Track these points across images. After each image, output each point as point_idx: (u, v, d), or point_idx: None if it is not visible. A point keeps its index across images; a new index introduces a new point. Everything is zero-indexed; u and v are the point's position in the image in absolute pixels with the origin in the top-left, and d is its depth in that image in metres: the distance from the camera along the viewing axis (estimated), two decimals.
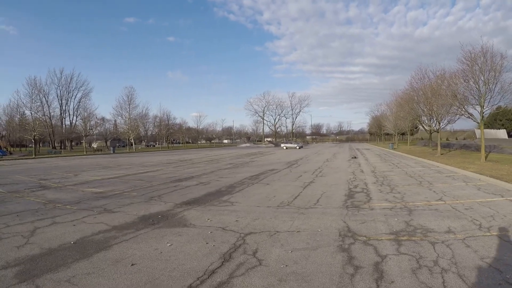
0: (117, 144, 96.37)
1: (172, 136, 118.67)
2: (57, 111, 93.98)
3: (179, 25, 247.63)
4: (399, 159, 33.57)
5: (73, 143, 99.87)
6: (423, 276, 5.61)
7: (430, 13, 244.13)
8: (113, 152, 70.95)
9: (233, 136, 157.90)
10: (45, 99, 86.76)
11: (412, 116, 50.14)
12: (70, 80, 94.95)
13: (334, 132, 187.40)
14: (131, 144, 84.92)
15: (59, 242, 7.92)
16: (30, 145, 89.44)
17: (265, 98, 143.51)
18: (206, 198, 13.47)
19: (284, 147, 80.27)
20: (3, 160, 45.74)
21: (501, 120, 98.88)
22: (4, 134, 71.28)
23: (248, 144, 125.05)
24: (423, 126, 49.00)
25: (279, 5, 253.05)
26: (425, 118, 44.74)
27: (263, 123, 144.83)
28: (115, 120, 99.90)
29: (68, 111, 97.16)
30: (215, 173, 23.64)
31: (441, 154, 34.53)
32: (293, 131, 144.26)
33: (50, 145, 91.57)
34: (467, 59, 26.54)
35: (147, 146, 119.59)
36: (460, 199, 12.01)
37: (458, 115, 31.84)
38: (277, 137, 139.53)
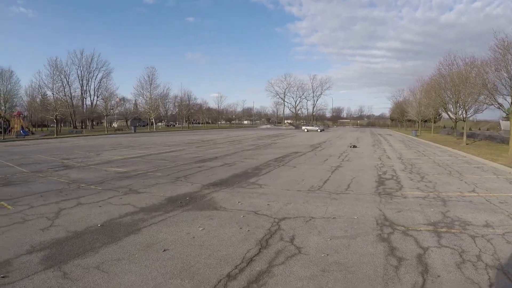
0: (138, 124, 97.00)
1: (193, 116, 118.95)
2: (78, 91, 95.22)
3: (199, 6, 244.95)
4: (424, 146, 32.49)
5: (94, 123, 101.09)
6: (468, 271, 5.23)
7: None
8: (134, 131, 71.49)
9: (253, 117, 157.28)
10: (66, 80, 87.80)
11: (438, 103, 48.53)
12: (91, 61, 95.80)
13: (355, 116, 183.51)
14: (152, 124, 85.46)
15: (85, 225, 7.64)
16: (51, 125, 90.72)
17: (286, 79, 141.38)
18: (233, 180, 13.17)
19: (305, 130, 79.37)
20: (26, 139, 46.47)
21: None
22: (26, 114, 72.28)
23: (268, 126, 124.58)
24: (448, 114, 47.40)
25: None
26: (452, 106, 43.23)
27: (284, 105, 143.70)
28: (135, 100, 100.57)
29: (89, 91, 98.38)
30: (239, 154, 23.35)
31: (466, 144, 33.28)
32: (314, 113, 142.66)
33: (71, 125, 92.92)
34: (500, 47, 25.12)
35: (167, 125, 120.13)
36: (493, 192, 11.29)
37: (486, 105, 30.48)
38: (297, 120, 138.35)
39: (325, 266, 5.43)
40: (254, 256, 5.82)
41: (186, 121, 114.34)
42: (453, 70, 39.16)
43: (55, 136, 54.35)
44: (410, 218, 8.15)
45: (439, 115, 70.55)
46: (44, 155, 23.42)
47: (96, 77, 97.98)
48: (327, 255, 5.86)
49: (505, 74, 25.03)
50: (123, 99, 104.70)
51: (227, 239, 6.68)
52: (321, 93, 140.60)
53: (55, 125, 63.39)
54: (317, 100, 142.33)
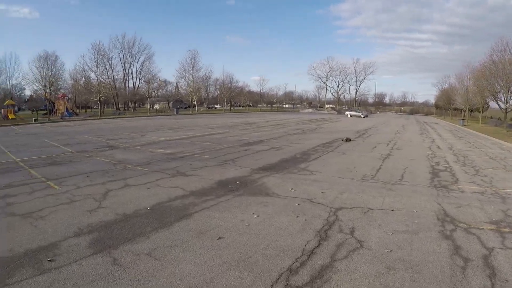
0: (179, 106, 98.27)
1: (234, 99, 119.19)
2: (121, 74, 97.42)
3: None
4: (474, 138, 30.45)
5: (136, 105, 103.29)
6: None
7: None
8: (177, 113, 72.31)
9: (294, 101, 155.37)
10: (109, 63, 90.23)
11: (489, 92, 45.79)
12: (133, 44, 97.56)
13: (398, 102, 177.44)
14: (194, 106, 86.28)
15: (134, 207, 7.41)
16: (94, 107, 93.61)
17: (329, 63, 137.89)
18: (282, 165, 12.73)
19: (348, 115, 77.53)
20: (70, 120, 47.87)
21: None
22: (70, 96, 74.61)
23: (310, 110, 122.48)
24: (498, 104, 44.61)
25: None
26: (503, 96, 40.68)
27: (326, 89, 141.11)
28: (176, 83, 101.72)
29: (131, 74, 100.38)
30: (284, 138, 22.87)
31: None
32: (356, 99, 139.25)
33: (114, 107, 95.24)
34: None
35: (209, 108, 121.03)
36: None
37: None
38: (339, 104, 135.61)
39: (390, 263, 5.06)
40: (314, 249, 5.46)
41: (227, 104, 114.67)
42: (506, 57, 37.00)
43: (99, 117, 55.79)
44: (470, 214, 7.59)
45: (487, 105, 67.01)
46: (89, 135, 23.83)
47: (138, 60, 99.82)
48: (391, 251, 5.48)
49: None
50: (164, 82, 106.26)
51: (284, 229, 6.31)
52: (364, 77, 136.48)
53: (99, 107, 65.16)
54: (360, 85, 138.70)
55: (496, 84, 40.78)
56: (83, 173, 10.97)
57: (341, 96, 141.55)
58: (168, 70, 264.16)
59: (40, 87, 63.20)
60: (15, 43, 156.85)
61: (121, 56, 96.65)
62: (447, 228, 6.64)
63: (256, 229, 6.26)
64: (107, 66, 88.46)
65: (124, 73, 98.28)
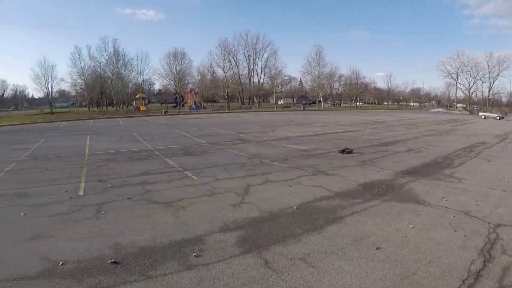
0: (303, 102, 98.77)
1: (359, 96, 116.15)
2: (245, 70, 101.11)
3: None
4: None
5: (260, 100, 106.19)
6: None
7: None
8: (303, 109, 72.58)
9: (421, 99, 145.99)
10: (234, 60, 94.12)
11: None
12: (256, 41, 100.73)
13: None
14: (319, 102, 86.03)
15: (278, 205, 7.18)
16: (220, 101, 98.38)
17: (459, 58, 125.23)
18: (426, 170, 11.61)
19: (483, 116, 70.22)
20: (198, 113, 50.66)
21: None
22: (197, 91, 79.27)
23: (440, 109, 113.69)
24: None
25: None
26: None
27: (456, 87, 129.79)
28: (300, 78, 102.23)
29: (256, 70, 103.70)
30: (420, 139, 21.20)
31: None
32: (489, 98, 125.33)
33: (239, 101, 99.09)
34: None
35: (333, 104, 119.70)
36: None
37: None
38: (470, 104, 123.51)
39: None
40: (479, 271, 4.72)
41: (351, 101, 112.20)
42: None
43: (226, 111, 58.13)
44: None
45: None
46: (219, 128, 24.74)
47: (262, 57, 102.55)
48: None
49: None
50: (288, 78, 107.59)
51: (444, 243, 5.59)
52: (498, 74, 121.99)
53: (227, 101, 68.11)
54: (493, 82, 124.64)
55: None
56: (220, 165, 11.19)
57: (473, 95, 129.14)
58: (291, 66, 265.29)
59: (171, 81, 68.38)
60: (145, 42, 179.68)
61: (246, 52, 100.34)
62: None
63: (415, 241, 5.60)
64: (232, 62, 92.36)
65: (248, 69, 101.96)
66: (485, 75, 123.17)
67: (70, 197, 8.44)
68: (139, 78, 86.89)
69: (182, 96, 66.68)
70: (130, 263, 4.78)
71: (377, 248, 5.25)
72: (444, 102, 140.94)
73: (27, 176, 11.33)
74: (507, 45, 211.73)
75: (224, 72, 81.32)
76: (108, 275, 4.47)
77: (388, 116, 52.03)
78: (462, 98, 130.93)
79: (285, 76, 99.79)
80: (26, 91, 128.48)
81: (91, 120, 44.91)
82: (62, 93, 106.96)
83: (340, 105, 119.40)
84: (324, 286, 4.15)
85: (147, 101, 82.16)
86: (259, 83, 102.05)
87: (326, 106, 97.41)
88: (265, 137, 18.69)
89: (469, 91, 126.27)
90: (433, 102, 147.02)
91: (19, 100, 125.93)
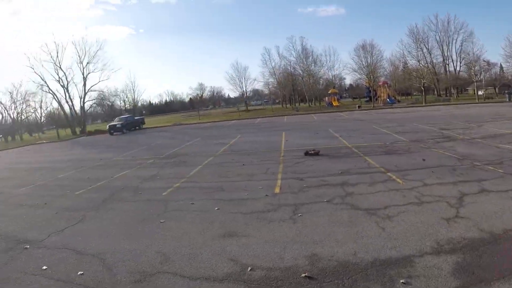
0: (506, 91, 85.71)
1: None
2: (439, 58, 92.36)
3: None
4: None
5: (458, 90, 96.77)
6: None
7: None
8: (509, 99, 63.39)
9: None
10: (426, 47, 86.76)
11: None
12: (447, 24, 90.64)
13: None
14: None
15: (501, 225, 5.90)
16: (414, 94, 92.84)
17: None
18: None
19: None
20: (394, 107, 48.74)
21: None
22: (390, 83, 76.17)
23: None
24: None
25: None
26: None
27: None
28: (500, 63, 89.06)
29: (451, 56, 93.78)
30: None
31: None
32: None
33: (434, 93, 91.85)
34: None
35: None
36: None
37: None
38: None
39: None
40: None
41: None
42: None
43: (422, 104, 54.85)
44: None
45: None
46: (418, 123, 23.14)
47: (456, 41, 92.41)
48: None
49: None
50: (487, 63, 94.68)
51: None
52: None
53: (423, 93, 64.24)
54: None
55: None
56: (427, 167, 10.27)
57: None
58: (491, 50, 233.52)
59: (363, 75, 66.96)
60: (331, 38, 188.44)
61: (437, 37, 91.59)
62: None
63: None
64: (424, 50, 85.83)
65: (442, 56, 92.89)
66: None
67: (266, 195, 8.66)
68: (330, 73, 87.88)
69: (375, 90, 65.17)
70: (327, 281, 4.48)
71: None
72: None
73: (224, 171, 12.17)
74: None
75: (418, 61, 76.15)
76: None
77: None
78: None
79: (484, 61, 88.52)
80: (222, 92, 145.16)
81: (285, 117, 47.03)
82: (255, 92, 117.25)
83: None
84: None
85: (339, 96, 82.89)
86: (455, 72, 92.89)
87: None
88: (472, 134, 16.59)
89: None
90: None
91: (216, 100, 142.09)
